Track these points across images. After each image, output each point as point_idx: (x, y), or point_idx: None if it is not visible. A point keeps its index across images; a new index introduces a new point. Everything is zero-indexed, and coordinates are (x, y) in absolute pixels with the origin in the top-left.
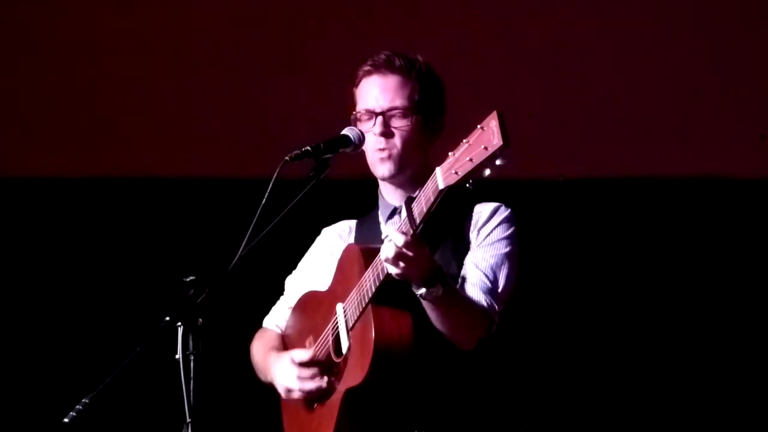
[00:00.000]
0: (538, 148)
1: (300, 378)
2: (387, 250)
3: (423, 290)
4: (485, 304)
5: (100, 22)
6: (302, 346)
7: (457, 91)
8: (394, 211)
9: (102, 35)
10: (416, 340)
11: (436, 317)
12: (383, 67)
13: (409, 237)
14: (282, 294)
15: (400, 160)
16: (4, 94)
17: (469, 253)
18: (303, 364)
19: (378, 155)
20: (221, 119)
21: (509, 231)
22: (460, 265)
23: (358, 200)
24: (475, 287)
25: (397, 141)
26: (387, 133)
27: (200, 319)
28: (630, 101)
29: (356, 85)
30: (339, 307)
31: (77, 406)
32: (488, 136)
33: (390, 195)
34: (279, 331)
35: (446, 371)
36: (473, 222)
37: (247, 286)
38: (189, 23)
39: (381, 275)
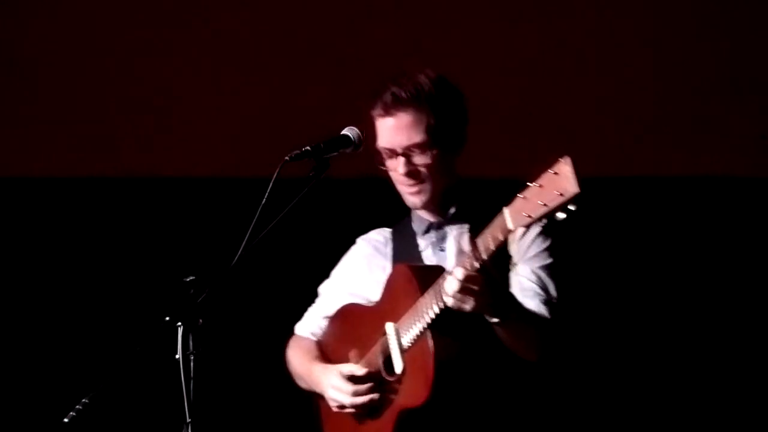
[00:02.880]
0: (538, 148)
1: (351, 393)
2: (450, 285)
3: (495, 320)
4: (546, 315)
5: (100, 21)
6: (344, 357)
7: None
8: (431, 226)
9: (102, 35)
10: (475, 361)
11: (507, 337)
12: (392, 108)
13: (472, 271)
14: (314, 301)
15: (429, 192)
16: (4, 94)
17: (516, 267)
18: (354, 379)
19: (407, 190)
20: (221, 119)
21: (547, 243)
22: (504, 278)
23: (358, 200)
24: (531, 299)
25: (422, 176)
26: (411, 172)
27: (200, 319)
28: (630, 101)
29: (374, 117)
30: (390, 326)
31: (77, 406)
32: (563, 182)
33: (423, 211)
34: (314, 339)
35: (506, 389)
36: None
37: (247, 286)
38: (189, 23)
39: (441, 304)
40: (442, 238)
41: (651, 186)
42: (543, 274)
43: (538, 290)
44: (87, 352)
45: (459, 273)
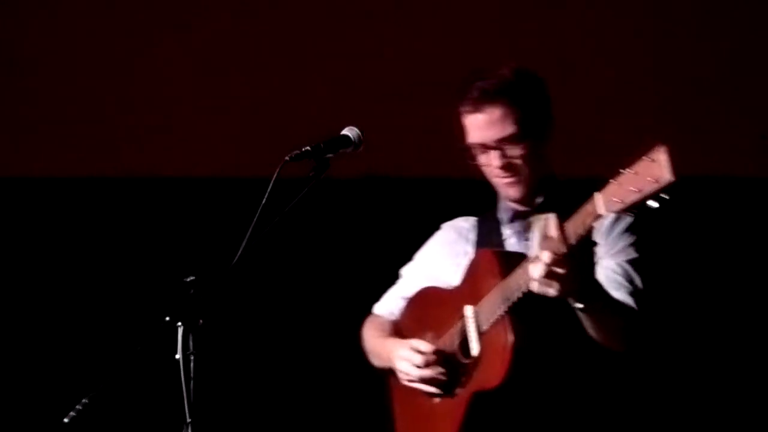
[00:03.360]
0: None
1: (419, 364)
2: (537, 269)
3: (580, 306)
4: (634, 305)
5: (100, 21)
6: (420, 338)
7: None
8: (516, 215)
9: (102, 35)
10: (553, 348)
11: (592, 324)
12: (481, 103)
13: (559, 256)
14: (395, 282)
15: (525, 182)
16: (4, 94)
17: (602, 260)
18: (424, 354)
19: (502, 182)
20: (221, 119)
21: (633, 238)
22: (590, 265)
23: (358, 200)
24: (617, 290)
25: (517, 167)
26: (506, 165)
27: (200, 319)
28: (630, 101)
29: (460, 115)
30: (468, 309)
31: (77, 406)
32: (658, 169)
33: (511, 200)
34: (392, 319)
35: (584, 378)
36: (596, 224)
37: (247, 286)
38: (189, 23)
39: (525, 287)
40: (528, 228)
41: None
42: (629, 268)
43: (625, 282)
44: (87, 352)
45: (546, 257)
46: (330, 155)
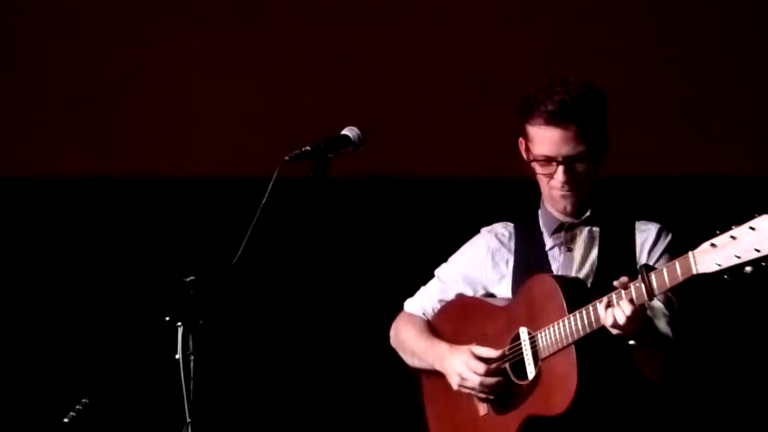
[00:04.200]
0: None
1: (482, 372)
2: (618, 316)
3: (633, 341)
4: (672, 336)
5: (100, 21)
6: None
7: (459, 89)
8: (562, 226)
9: (102, 35)
10: (611, 379)
11: (639, 357)
12: (559, 119)
13: (639, 307)
14: (429, 280)
15: (582, 198)
16: (5, 94)
17: None
18: (486, 361)
19: (560, 194)
20: (221, 119)
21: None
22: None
23: (358, 200)
24: (659, 320)
25: (579, 184)
26: (569, 180)
27: (200, 320)
28: (630, 101)
29: (528, 122)
30: (524, 331)
31: (77, 406)
32: (761, 238)
33: (557, 210)
34: (425, 318)
35: (637, 406)
36: (639, 243)
37: (247, 287)
38: (189, 23)
39: (595, 325)
40: (572, 239)
41: (651, 186)
42: (669, 293)
43: (665, 311)
44: (87, 352)
45: (628, 309)
46: (330, 155)
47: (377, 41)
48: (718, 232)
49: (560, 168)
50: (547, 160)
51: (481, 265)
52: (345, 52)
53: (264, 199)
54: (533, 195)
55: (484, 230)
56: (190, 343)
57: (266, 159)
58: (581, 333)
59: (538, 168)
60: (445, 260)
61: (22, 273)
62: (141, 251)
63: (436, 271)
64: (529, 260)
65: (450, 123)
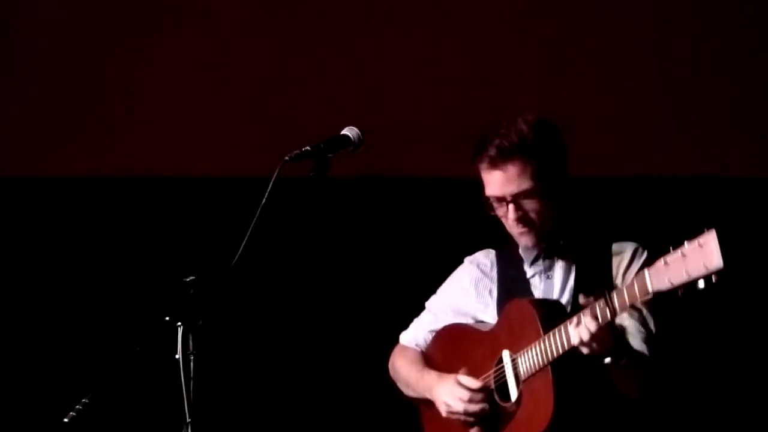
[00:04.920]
0: None
1: (466, 400)
2: (582, 334)
3: (609, 360)
4: (647, 353)
5: (100, 22)
6: (453, 373)
7: (459, 89)
8: (539, 255)
9: (102, 35)
10: (588, 397)
11: (617, 376)
12: (499, 161)
13: (603, 324)
14: (420, 314)
15: (539, 232)
16: (4, 94)
17: None
18: (470, 390)
19: (517, 231)
20: (221, 119)
21: None
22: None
23: (358, 200)
24: (634, 338)
25: (532, 219)
26: (521, 217)
27: (200, 320)
28: (630, 101)
29: (477, 166)
30: (506, 354)
31: (77, 406)
32: (708, 255)
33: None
34: (419, 350)
35: (615, 422)
36: (615, 265)
37: (247, 287)
38: (189, 23)
39: (567, 345)
40: (550, 267)
41: (651, 186)
42: (645, 310)
43: (641, 327)
44: (87, 352)
45: (592, 326)
46: (330, 155)
47: (377, 41)
48: (671, 248)
49: (510, 207)
50: (497, 201)
51: (466, 295)
52: (345, 52)
53: (264, 199)
54: None
55: (466, 260)
56: (190, 343)
57: (266, 159)
58: (556, 353)
59: (492, 209)
60: (444, 260)
61: (23, 273)
62: (141, 251)
63: (427, 303)
64: (511, 289)
65: (450, 123)
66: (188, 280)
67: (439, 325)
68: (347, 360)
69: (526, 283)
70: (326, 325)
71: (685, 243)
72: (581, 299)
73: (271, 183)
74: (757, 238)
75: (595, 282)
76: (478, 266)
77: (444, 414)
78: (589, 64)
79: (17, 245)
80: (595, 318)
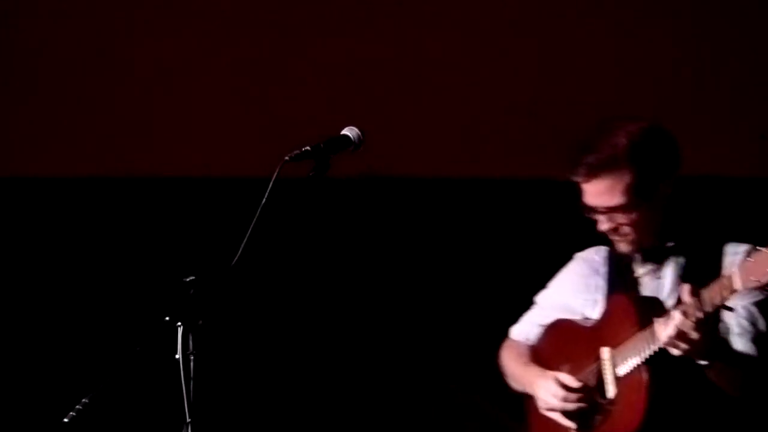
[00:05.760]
0: (538, 149)
1: (562, 398)
2: (670, 331)
3: (705, 363)
4: (754, 353)
5: (100, 22)
6: (556, 369)
7: (460, 89)
8: (649, 254)
9: (102, 35)
10: (687, 397)
11: (714, 377)
12: (588, 176)
13: (692, 321)
14: (529, 308)
15: (637, 241)
16: (5, 94)
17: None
18: (567, 388)
19: (614, 238)
20: (221, 119)
21: None
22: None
23: (358, 200)
24: (741, 337)
25: (626, 230)
26: (615, 228)
27: (200, 320)
28: (629, 101)
29: (572, 174)
30: (605, 351)
31: (77, 406)
32: None
33: None
34: (527, 344)
35: (715, 424)
36: (727, 264)
37: (247, 287)
38: (189, 23)
39: (658, 344)
40: (660, 267)
41: None
42: (755, 310)
43: (749, 327)
44: (87, 352)
45: (679, 322)
46: (330, 155)
47: (377, 41)
48: (758, 248)
49: (602, 218)
50: (592, 210)
51: (574, 291)
52: (345, 52)
53: (264, 199)
54: (533, 195)
55: (577, 256)
56: (190, 343)
57: (266, 159)
58: (649, 351)
59: (592, 215)
60: (444, 259)
61: (23, 273)
62: (141, 251)
63: (536, 298)
64: (620, 286)
65: (450, 123)
66: (188, 280)
67: (548, 320)
68: (347, 360)
69: (634, 282)
70: (326, 325)
71: None
72: (681, 298)
73: (271, 183)
74: None
75: (702, 283)
76: (588, 262)
77: (542, 409)
78: (589, 65)
79: (17, 245)
80: (684, 315)
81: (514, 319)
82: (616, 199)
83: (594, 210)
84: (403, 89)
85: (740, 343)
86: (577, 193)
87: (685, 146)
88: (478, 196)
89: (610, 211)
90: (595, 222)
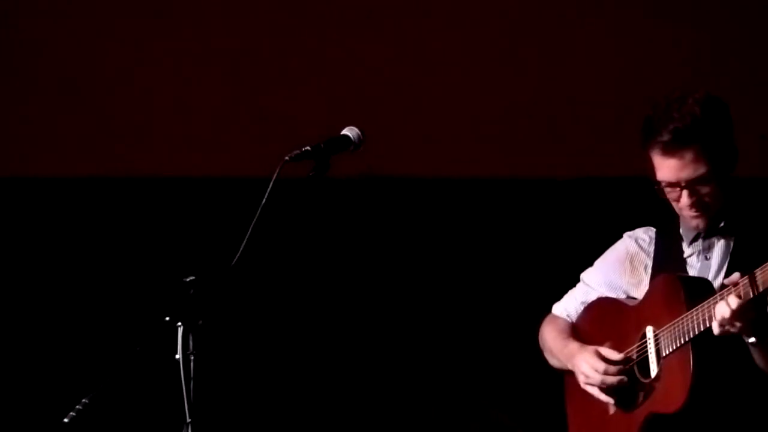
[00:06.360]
0: (538, 149)
1: (603, 371)
2: (722, 311)
3: (753, 340)
4: None
5: (99, 22)
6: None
7: (460, 89)
8: (699, 235)
9: (101, 35)
10: (732, 378)
11: (759, 356)
12: (673, 146)
13: (745, 302)
14: (575, 285)
15: (713, 216)
16: (4, 94)
17: None
18: (608, 361)
19: (690, 214)
20: (221, 119)
21: None
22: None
23: (358, 200)
24: None
25: (707, 203)
26: (696, 202)
27: (200, 320)
28: (630, 101)
29: (648, 149)
30: (650, 330)
31: (77, 406)
32: None
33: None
34: (569, 320)
35: (756, 405)
36: None
37: (247, 287)
38: (189, 22)
39: (708, 323)
40: (709, 248)
41: (651, 186)
42: None
43: None
44: (87, 352)
45: (734, 303)
46: (330, 155)
47: (378, 41)
48: None
49: (684, 192)
50: (670, 186)
51: (621, 269)
52: (345, 51)
53: (264, 199)
54: (533, 195)
55: (625, 235)
56: (190, 343)
57: (266, 159)
58: (696, 331)
59: (664, 192)
60: (444, 260)
61: (22, 273)
62: (141, 251)
63: (582, 275)
64: (666, 266)
65: (450, 123)
66: (188, 280)
67: (592, 298)
68: (347, 360)
69: (682, 262)
70: (326, 325)
71: None
72: (726, 280)
73: (271, 183)
74: None
75: (751, 264)
76: (636, 241)
77: (582, 384)
78: (589, 65)
79: (17, 245)
80: (738, 296)
81: (514, 319)
82: (701, 168)
83: (676, 185)
84: (403, 89)
85: None
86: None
87: None
88: (478, 196)
89: (693, 184)
90: (666, 202)
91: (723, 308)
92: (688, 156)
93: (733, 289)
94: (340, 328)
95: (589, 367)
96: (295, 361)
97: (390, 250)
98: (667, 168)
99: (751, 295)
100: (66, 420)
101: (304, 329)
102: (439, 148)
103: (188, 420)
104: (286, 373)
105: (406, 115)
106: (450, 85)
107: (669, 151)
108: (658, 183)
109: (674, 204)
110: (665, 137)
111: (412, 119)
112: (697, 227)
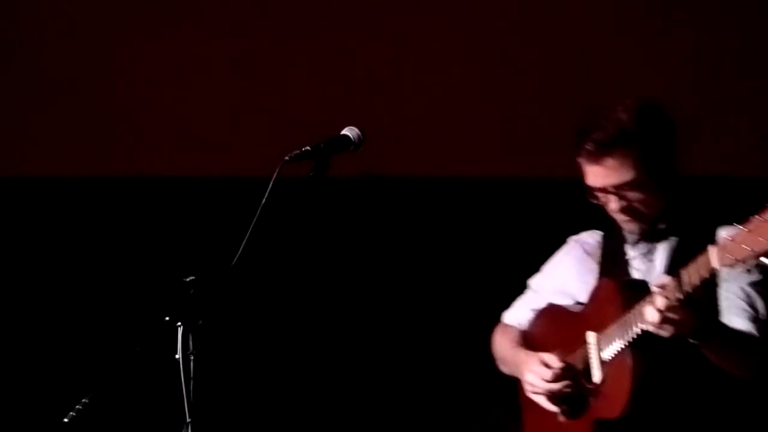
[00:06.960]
0: (538, 149)
1: (546, 379)
2: (650, 314)
3: (694, 341)
4: (753, 332)
5: (99, 22)
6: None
7: (459, 88)
8: (641, 238)
9: (101, 35)
10: (675, 379)
11: (711, 356)
12: (598, 155)
13: (674, 302)
14: (523, 292)
15: (645, 220)
16: (4, 94)
17: (724, 283)
18: (552, 368)
19: (621, 218)
20: (221, 119)
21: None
22: (711, 297)
23: (358, 200)
24: (739, 317)
25: (636, 208)
26: (624, 207)
27: (200, 320)
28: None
29: (577, 156)
30: (591, 336)
31: (77, 406)
32: None
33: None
34: (520, 328)
35: (707, 406)
36: None
37: (247, 287)
38: (189, 23)
39: (642, 326)
40: (651, 250)
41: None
42: (751, 291)
43: (746, 307)
44: (87, 352)
45: (660, 303)
46: (330, 155)
47: (378, 41)
48: (737, 226)
49: (611, 198)
50: (598, 191)
51: (567, 275)
52: (345, 51)
53: (264, 199)
54: (533, 195)
55: (571, 239)
56: (190, 343)
57: (266, 159)
58: (633, 334)
59: (594, 197)
60: (443, 260)
61: (22, 273)
62: (141, 251)
63: (529, 281)
64: (612, 270)
65: (450, 123)
66: (188, 280)
67: (541, 304)
68: (347, 360)
69: (626, 265)
70: (326, 325)
71: (751, 218)
72: (656, 281)
73: (271, 183)
74: None
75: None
76: (582, 246)
77: (528, 393)
78: (589, 65)
79: (17, 245)
80: (665, 296)
81: None
82: (626, 175)
83: (603, 190)
84: (403, 89)
85: (739, 321)
86: (581, 177)
87: (686, 146)
88: (478, 196)
89: (621, 188)
90: (601, 208)
91: (651, 312)
92: (612, 162)
93: (660, 291)
94: (341, 328)
95: (534, 376)
96: (295, 361)
97: (390, 250)
98: (592, 174)
99: (678, 296)
100: (66, 420)
101: (304, 329)
102: (439, 148)
103: (188, 420)
104: (286, 373)
105: (406, 115)
106: (450, 85)
107: (592, 157)
108: (589, 189)
109: (607, 208)
110: (589, 146)
111: (412, 119)
112: (631, 231)
